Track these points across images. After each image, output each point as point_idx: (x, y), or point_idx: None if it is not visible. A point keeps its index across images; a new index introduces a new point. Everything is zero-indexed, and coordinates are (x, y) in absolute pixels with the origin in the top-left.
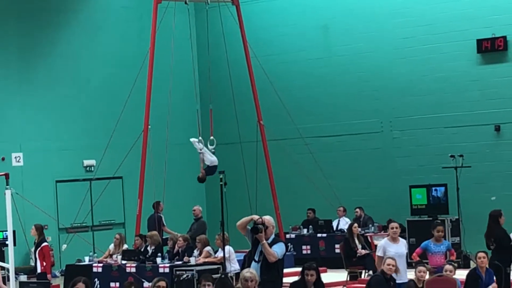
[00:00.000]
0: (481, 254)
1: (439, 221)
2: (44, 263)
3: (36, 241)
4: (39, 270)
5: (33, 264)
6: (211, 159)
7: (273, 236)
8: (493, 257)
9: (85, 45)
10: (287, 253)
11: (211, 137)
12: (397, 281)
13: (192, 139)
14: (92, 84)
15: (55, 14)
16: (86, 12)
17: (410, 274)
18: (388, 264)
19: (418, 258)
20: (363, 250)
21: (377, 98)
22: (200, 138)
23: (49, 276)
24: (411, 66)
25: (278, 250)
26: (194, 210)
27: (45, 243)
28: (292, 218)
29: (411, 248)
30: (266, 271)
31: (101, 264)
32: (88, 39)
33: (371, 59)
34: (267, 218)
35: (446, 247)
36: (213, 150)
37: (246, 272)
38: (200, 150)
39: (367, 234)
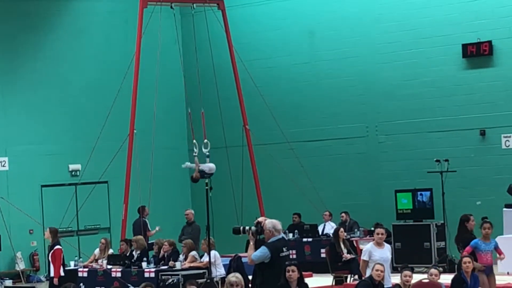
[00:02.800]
0: (466, 259)
1: (487, 219)
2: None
3: (50, 244)
4: (52, 274)
5: (18, 268)
6: (210, 166)
7: (272, 239)
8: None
9: (70, 49)
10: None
11: (205, 140)
12: None
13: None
14: (78, 88)
15: (39, 17)
16: (70, 16)
17: (395, 279)
18: (377, 270)
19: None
20: (348, 255)
21: (362, 103)
22: (194, 141)
23: (55, 280)
24: (397, 71)
25: (257, 253)
26: (187, 214)
27: (58, 246)
28: None
29: (396, 253)
30: (255, 275)
31: (86, 269)
32: (73, 43)
33: (357, 64)
34: (267, 222)
35: (494, 245)
36: (207, 153)
37: (232, 277)
38: (198, 166)
39: (353, 238)
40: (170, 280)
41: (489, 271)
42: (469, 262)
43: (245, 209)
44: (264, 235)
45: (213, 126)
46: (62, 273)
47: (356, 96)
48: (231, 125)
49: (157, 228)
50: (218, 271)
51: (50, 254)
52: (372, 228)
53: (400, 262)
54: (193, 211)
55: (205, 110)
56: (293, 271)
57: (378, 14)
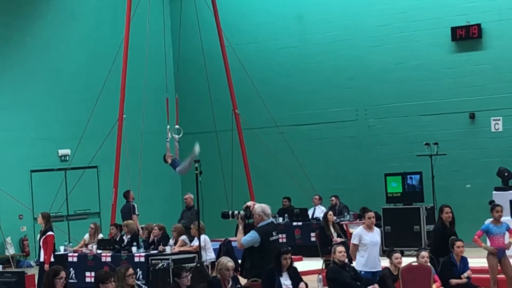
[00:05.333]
0: (459, 243)
1: (496, 202)
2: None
3: (42, 229)
4: (41, 259)
5: (7, 254)
6: (184, 165)
7: (262, 224)
8: (431, 248)
9: (58, 35)
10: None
11: (176, 126)
12: (371, 270)
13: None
14: (67, 73)
15: (27, 4)
16: (59, 2)
17: (384, 262)
18: (340, 252)
19: (480, 241)
20: (338, 238)
21: (352, 87)
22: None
23: (46, 266)
24: (386, 54)
25: (247, 237)
26: (186, 199)
27: (50, 232)
28: None
29: (386, 237)
30: (245, 259)
31: (76, 254)
32: (62, 29)
33: (346, 47)
34: (256, 206)
35: (506, 228)
36: (177, 139)
37: (229, 261)
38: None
39: (343, 222)
40: (160, 265)
41: (502, 254)
42: (462, 246)
43: (235, 193)
44: (253, 219)
45: (203, 110)
46: (52, 259)
47: (346, 79)
48: (220, 110)
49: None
50: (208, 255)
51: (41, 239)
52: (359, 213)
53: (390, 246)
54: (192, 196)
55: (195, 94)
56: (289, 258)
57: None
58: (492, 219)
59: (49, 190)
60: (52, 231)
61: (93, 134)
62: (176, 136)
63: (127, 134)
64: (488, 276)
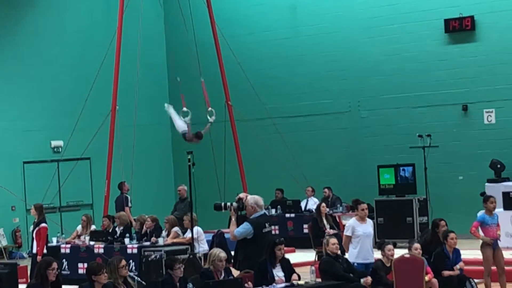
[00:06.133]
0: (453, 235)
1: (488, 194)
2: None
3: (35, 220)
4: (34, 251)
5: (0, 245)
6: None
7: (255, 215)
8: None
9: (51, 24)
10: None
11: (184, 108)
12: (364, 262)
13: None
14: (59, 64)
15: None
16: None
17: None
18: (333, 244)
19: (477, 232)
20: (331, 230)
21: (344, 78)
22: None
23: (39, 257)
24: (379, 46)
25: (240, 229)
26: (180, 191)
27: (43, 224)
28: None
29: (379, 228)
30: (238, 251)
31: (69, 245)
32: (55, 19)
33: (339, 39)
34: (249, 198)
35: (498, 219)
36: (188, 122)
37: (221, 252)
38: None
39: (335, 214)
40: (153, 256)
41: (496, 245)
42: (456, 238)
43: (228, 185)
44: (246, 211)
45: (196, 101)
46: (45, 251)
47: (339, 71)
48: (213, 101)
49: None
50: (201, 247)
51: (35, 231)
52: (351, 205)
53: (382, 237)
54: (186, 187)
55: (187, 86)
56: (282, 248)
57: None
58: (485, 210)
59: (41, 182)
60: (46, 222)
61: (86, 125)
62: (187, 118)
63: (119, 125)
64: (481, 267)
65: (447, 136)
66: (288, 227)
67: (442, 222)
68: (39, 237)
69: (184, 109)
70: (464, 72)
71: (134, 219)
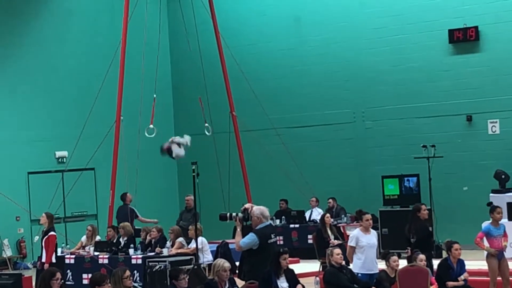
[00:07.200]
0: (457, 246)
1: (494, 204)
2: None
3: (44, 229)
4: (43, 260)
5: (5, 256)
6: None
7: (260, 226)
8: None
9: (56, 34)
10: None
11: (151, 126)
12: (368, 272)
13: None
14: (64, 74)
15: (25, 2)
16: (57, 1)
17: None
18: (338, 254)
19: (482, 243)
20: (335, 241)
21: (349, 89)
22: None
23: (46, 265)
24: (383, 56)
25: (246, 240)
26: (187, 200)
27: (52, 233)
28: None
29: (383, 239)
30: (243, 262)
31: (73, 256)
32: (60, 29)
33: (343, 49)
34: (255, 209)
35: (504, 229)
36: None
37: (225, 263)
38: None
39: (340, 224)
40: (157, 267)
41: (501, 256)
42: (460, 249)
43: (232, 195)
44: (251, 221)
45: (200, 112)
46: (53, 260)
47: (343, 81)
48: (218, 111)
49: (155, 220)
50: (206, 257)
51: (44, 239)
52: (355, 215)
53: (387, 248)
54: (193, 197)
55: (192, 96)
56: (287, 258)
57: None
58: (490, 221)
59: (46, 192)
60: (54, 231)
61: (91, 135)
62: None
63: (124, 135)
64: (485, 278)
65: (451, 146)
66: (293, 238)
67: (423, 206)
68: (47, 245)
69: (151, 126)
70: (468, 82)
71: (139, 229)
